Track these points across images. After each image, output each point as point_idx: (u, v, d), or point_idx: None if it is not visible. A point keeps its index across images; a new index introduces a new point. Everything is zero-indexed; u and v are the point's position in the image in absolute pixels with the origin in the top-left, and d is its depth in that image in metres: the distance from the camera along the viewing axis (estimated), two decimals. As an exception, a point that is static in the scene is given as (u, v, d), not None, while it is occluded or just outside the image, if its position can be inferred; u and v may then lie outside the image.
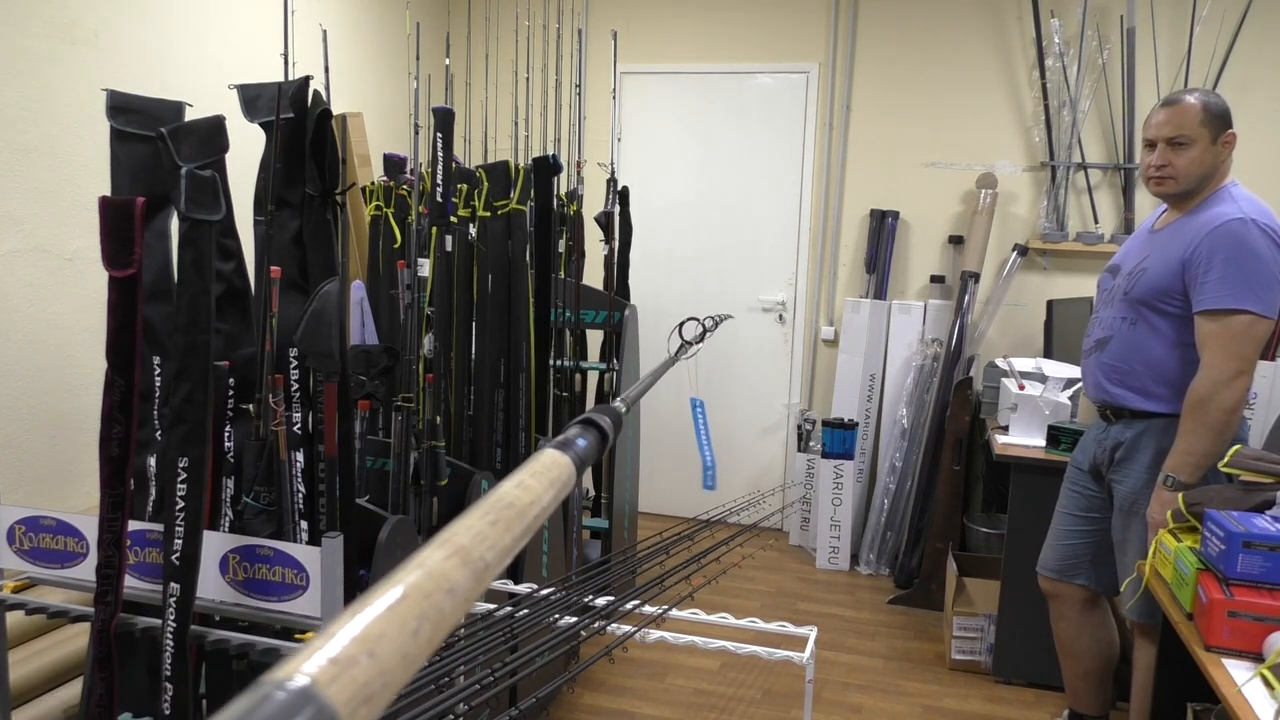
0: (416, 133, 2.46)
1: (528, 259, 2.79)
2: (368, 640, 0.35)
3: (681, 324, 1.92)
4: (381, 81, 4.17)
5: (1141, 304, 2.23)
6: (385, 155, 3.25)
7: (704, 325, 1.88)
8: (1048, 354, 3.61)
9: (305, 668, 0.32)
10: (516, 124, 3.26)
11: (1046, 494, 2.73)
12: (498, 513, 0.49)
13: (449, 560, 0.42)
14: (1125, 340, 2.27)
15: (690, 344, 1.73)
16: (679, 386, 4.64)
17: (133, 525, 1.78)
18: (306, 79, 2.00)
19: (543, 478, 0.57)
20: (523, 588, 2.20)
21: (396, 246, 2.97)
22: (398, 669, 0.35)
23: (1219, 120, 2.16)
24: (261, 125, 2.01)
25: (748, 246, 4.50)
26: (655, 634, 1.91)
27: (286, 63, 1.96)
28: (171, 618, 1.71)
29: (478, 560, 0.44)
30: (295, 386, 1.96)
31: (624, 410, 0.86)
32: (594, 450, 0.69)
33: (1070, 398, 3.08)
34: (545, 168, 2.86)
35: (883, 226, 4.22)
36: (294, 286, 2.00)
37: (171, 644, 1.71)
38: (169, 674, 1.75)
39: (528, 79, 3.34)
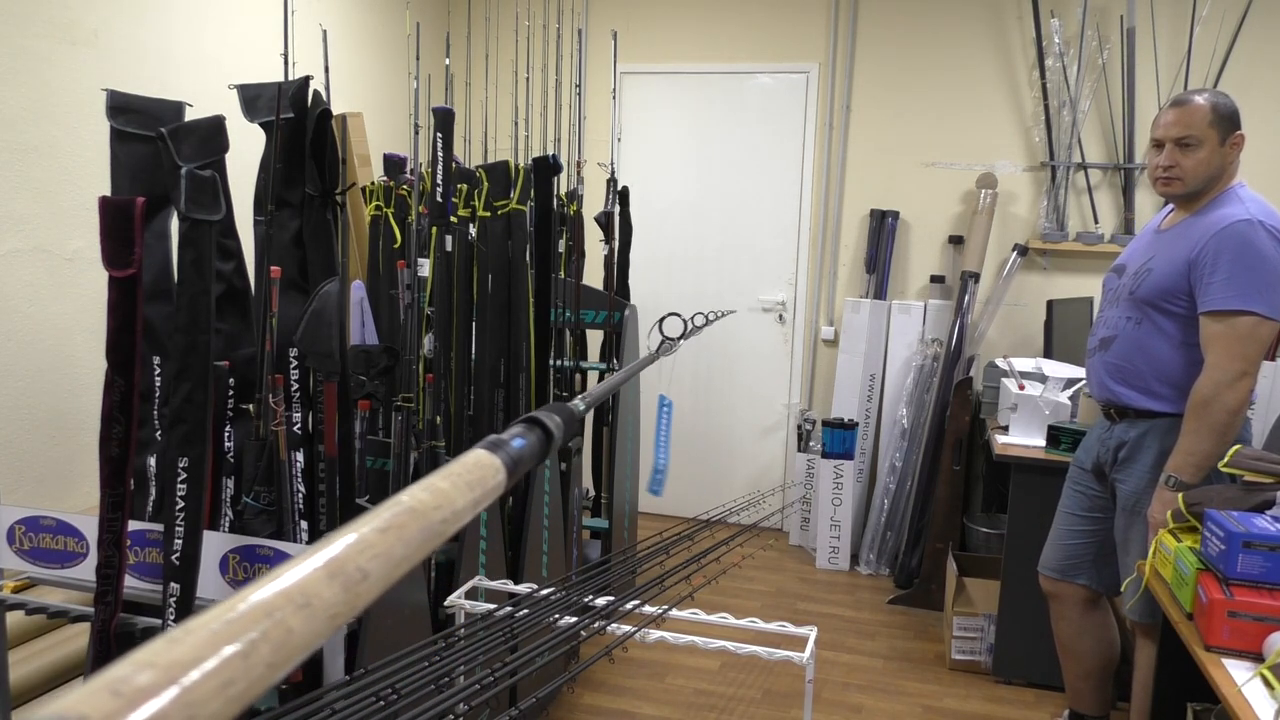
0: (416, 133, 2.46)
1: (528, 259, 2.79)
2: (173, 668, 0.30)
3: (662, 319, 1.90)
4: (381, 81, 4.17)
5: (1146, 304, 2.23)
6: (385, 155, 3.25)
7: (686, 323, 1.86)
8: (1048, 354, 3.61)
9: (82, 704, 0.28)
10: (516, 124, 3.26)
11: (1047, 494, 2.73)
12: (392, 517, 0.45)
13: (314, 572, 0.38)
14: (1130, 339, 2.27)
15: (672, 341, 1.72)
16: (678, 385, 4.64)
17: (133, 525, 1.78)
18: (306, 79, 2.00)
19: (459, 479, 0.52)
20: (523, 588, 2.20)
21: (396, 246, 2.97)
22: (215, 701, 0.31)
23: (1228, 121, 2.15)
24: (261, 125, 2.01)
25: (748, 246, 4.50)
26: (655, 634, 1.91)
27: (286, 63, 1.96)
28: (171, 618, 1.71)
29: (352, 571, 0.40)
30: (295, 386, 1.96)
31: (581, 409, 0.82)
32: (535, 452, 0.64)
33: (1070, 398, 3.08)
34: (545, 168, 2.86)
35: (883, 226, 4.22)
36: (294, 286, 2.00)
37: (171, 644, 1.71)
38: (169, 674, 1.75)
39: (528, 79, 3.34)
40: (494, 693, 1.45)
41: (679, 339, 1.76)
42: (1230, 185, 2.20)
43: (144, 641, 0.31)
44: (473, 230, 2.65)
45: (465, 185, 2.66)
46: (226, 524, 1.95)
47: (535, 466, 0.67)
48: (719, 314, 2.10)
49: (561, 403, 0.74)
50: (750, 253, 4.51)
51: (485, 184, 2.69)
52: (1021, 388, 3.13)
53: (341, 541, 0.41)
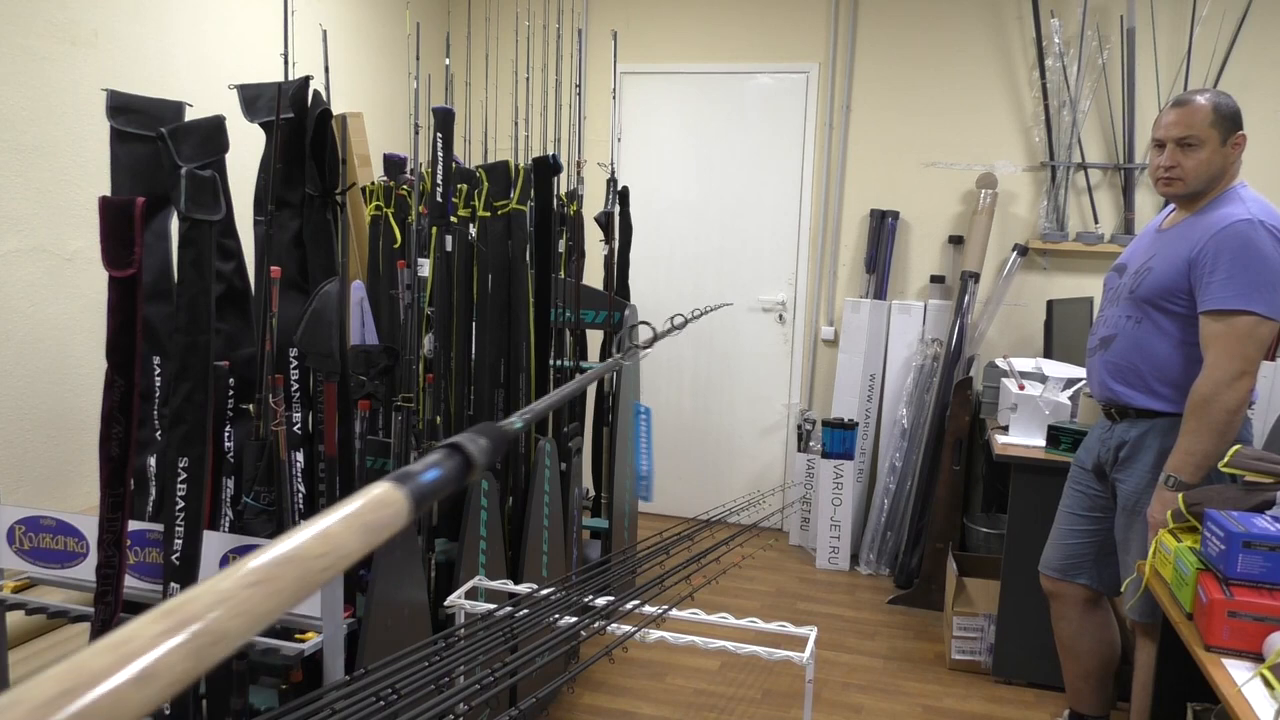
0: (416, 133, 2.46)
1: (528, 259, 2.79)
2: None
3: (632, 327, 1.90)
4: (381, 81, 4.17)
5: (1146, 303, 2.23)
6: (385, 155, 3.25)
7: (655, 330, 1.86)
8: (1048, 354, 3.61)
9: None
10: (516, 124, 3.26)
11: (1046, 494, 2.73)
12: (269, 570, 0.41)
13: (159, 637, 0.34)
14: (1129, 339, 2.27)
15: (638, 348, 1.72)
16: (678, 385, 4.65)
17: (133, 525, 1.78)
18: (306, 79, 2.00)
19: (355, 520, 0.50)
20: (523, 588, 2.20)
21: (396, 246, 2.97)
22: None
23: (1229, 121, 2.15)
24: (261, 125, 2.01)
25: (748, 246, 4.50)
26: (655, 634, 1.91)
27: (286, 63, 1.96)
28: (171, 618, 1.71)
29: (207, 633, 0.36)
30: (295, 386, 1.96)
31: (518, 426, 0.78)
32: (450, 480, 0.62)
33: (1070, 398, 3.08)
34: (545, 168, 2.86)
35: (883, 226, 4.22)
36: (294, 286, 2.00)
37: (171, 644, 1.71)
38: (169, 674, 1.74)
39: (528, 79, 3.34)
40: (494, 693, 1.45)
41: (647, 346, 1.76)
42: (1231, 185, 2.20)
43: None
44: (473, 230, 2.65)
45: (465, 185, 2.66)
46: (226, 524, 1.96)
47: (450, 492, 0.65)
48: (699, 312, 2.05)
49: (493, 422, 0.73)
50: (750, 253, 4.50)
51: (485, 184, 2.69)
52: (1021, 388, 3.13)
53: (204, 596, 0.37)
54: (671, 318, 1.74)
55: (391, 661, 1.48)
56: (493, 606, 1.86)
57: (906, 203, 4.24)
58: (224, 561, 1.78)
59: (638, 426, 3.05)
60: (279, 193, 1.98)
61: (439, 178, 2.41)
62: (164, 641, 0.34)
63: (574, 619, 1.77)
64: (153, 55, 2.92)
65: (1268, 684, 1.49)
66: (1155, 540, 1.97)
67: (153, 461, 1.93)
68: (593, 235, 3.52)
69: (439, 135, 2.38)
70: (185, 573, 1.74)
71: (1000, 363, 3.41)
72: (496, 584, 2.28)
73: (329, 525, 0.48)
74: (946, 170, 4.18)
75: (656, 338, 1.78)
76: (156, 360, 1.93)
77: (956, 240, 4.18)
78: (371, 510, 0.52)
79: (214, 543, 1.79)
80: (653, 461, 3.16)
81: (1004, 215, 4.11)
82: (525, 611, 1.74)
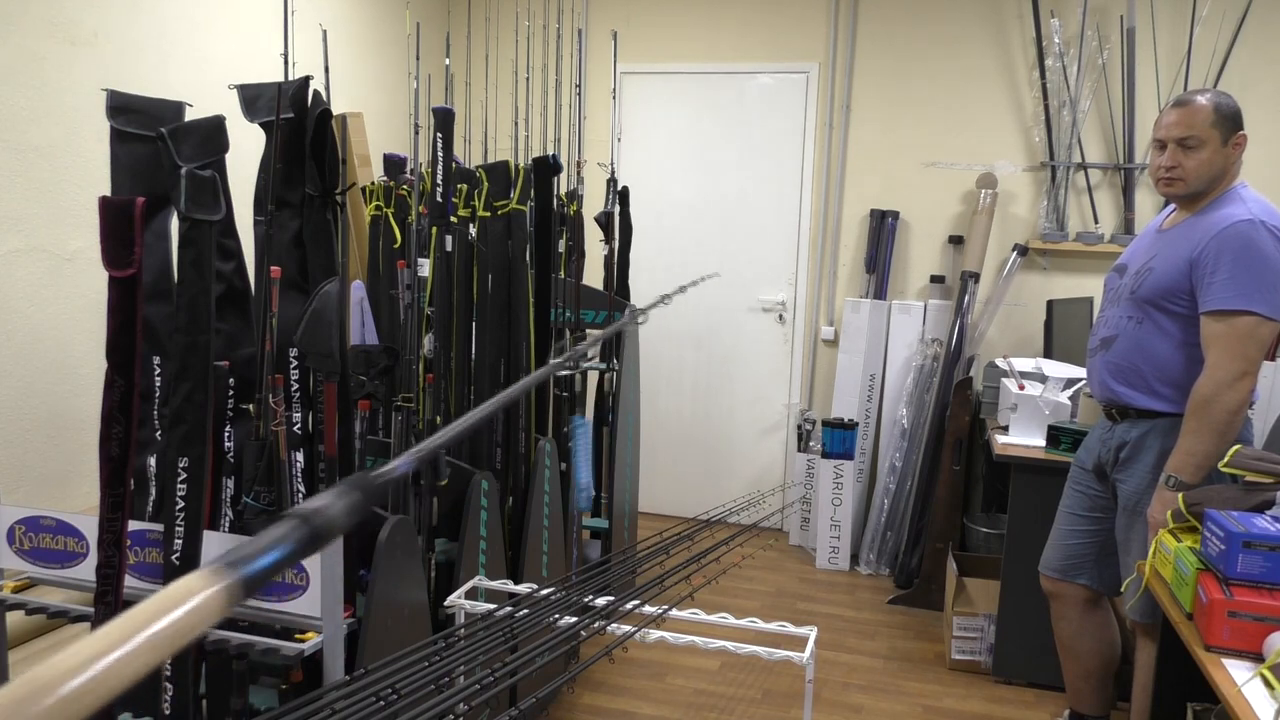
0: (416, 133, 2.46)
1: (528, 259, 2.79)
2: None
3: (598, 337, 1.89)
4: (381, 81, 4.17)
5: (1147, 303, 2.23)
6: (385, 155, 3.25)
7: (611, 343, 1.86)
8: (1048, 354, 3.61)
9: None
10: (516, 124, 3.26)
11: (1047, 494, 2.73)
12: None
13: None
14: (1130, 339, 2.27)
15: (589, 355, 1.73)
16: (678, 385, 4.64)
17: (133, 525, 1.78)
18: (306, 79, 2.00)
19: (150, 640, 0.41)
20: (523, 588, 2.20)
21: (396, 246, 2.97)
22: None
23: (1230, 121, 2.15)
24: (261, 125, 2.01)
25: (748, 247, 4.50)
26: (655, 634, 1.91)
27: (286, 63, 1.96)
28: (171, 618, 1.71)
29: None
30: (295, 386, 1.96)
31: (401, 471, 0.69)
32: (293, 558, 0.54)
33: (1070, 398, 3.08)
34: (545, 168, 2.86)
35: (883, 226, 4.22)
36: (294, 286, 2.00)
37: (171, 644, 1.70)
38: (169, 674, 1.75)
39: (528, 79, 3.34)
40: (494, 693, 1.45)
41: (595, 355, 1.77)
42: (1232, 185, 2.20)
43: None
44: (473, 230, 2.65)
45: (465, 185, 2.66)
46: (226, 524, 1.95)
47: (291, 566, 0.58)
48: (667, 297, 1.98)
49: (368, 472, 0.63)
50: (750, 253, 4.50)
51: (485, 184, 2.69)
52: (1021, 388, 3.13)
53: None
54: (640, 306, 1.72)
55: (391, 661, 1.48)
56: (493, 606, 1.86)
57: (906, 203, 4.24)
58: (224, 561, 1.78)
59: (576, 439, 3.06)
60: (279, 193, 1.98)
61: (439, 178, 2.41)
62: None
63: (574, 619, 1.77)
64: (152, 55, 2.92)
65: (1268, 684, 1.49)
66: (1155, 540, 1.97)
67: (153, 461, 1.93)
68: (593, 235, 3.52)
69: (439, 135, 2.38)
70: (185, 573, 1.73)
71: (1000, 363, 3.41)
72: (496, 584, 2.28)
73: (102, 649, 0.40)
74: (946, 170, 4.18)
75: (611, 334, 1.78)
76: (156, 360, 1.93)
77: (956, 240, 4.18)
78: (170, 617, 0.43)
79: (214, 543, 1.79)
80: (591, 473, 3.17)
81: (1004, 215, 4.11)
82: (525, 611, 1.74)
